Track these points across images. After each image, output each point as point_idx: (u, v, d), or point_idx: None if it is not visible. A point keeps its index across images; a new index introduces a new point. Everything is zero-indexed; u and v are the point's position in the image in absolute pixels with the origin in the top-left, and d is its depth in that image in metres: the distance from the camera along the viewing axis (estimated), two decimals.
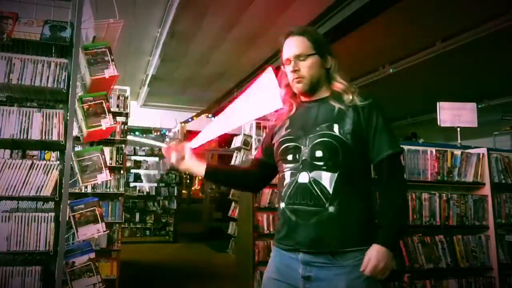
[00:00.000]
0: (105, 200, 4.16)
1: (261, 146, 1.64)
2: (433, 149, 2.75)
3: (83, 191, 3.56)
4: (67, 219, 2.03)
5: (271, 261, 1.44)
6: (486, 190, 2.81)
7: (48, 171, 2.00)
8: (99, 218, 2.12)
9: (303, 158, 1.33)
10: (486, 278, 2.69)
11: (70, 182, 2.04)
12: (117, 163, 4.41)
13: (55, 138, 2.02)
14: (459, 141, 3.37)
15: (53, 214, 1.98)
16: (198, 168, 1.51)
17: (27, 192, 1.93)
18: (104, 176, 2.15)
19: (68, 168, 2.03)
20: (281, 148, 1.43)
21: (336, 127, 1.32)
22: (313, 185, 1.29)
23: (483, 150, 2.86)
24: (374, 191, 1.39)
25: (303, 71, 1.39)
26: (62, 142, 2.02)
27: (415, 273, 2.52)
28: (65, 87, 2.05)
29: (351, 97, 1.36)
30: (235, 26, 4.97)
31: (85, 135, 2.17)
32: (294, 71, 1.39)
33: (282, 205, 1.38)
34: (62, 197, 2.00)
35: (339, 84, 1.41)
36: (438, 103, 3.43)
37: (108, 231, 2.41)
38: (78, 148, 2.35)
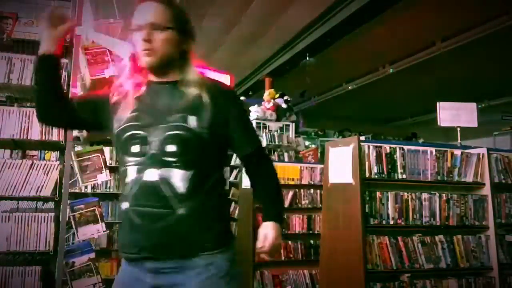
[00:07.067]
0: (105, 200, 4.16)
1: (88, 94, 1.44)
2: (433, 149, 2.74)
3: (83, 191, 3.56)
4: (67, 219, 2.03)
5: (117, 276, 1.25)
6: (486, 190, 2.81)
7: (48, 171, 2.00)
8: (99, 218, 2.12)
9: (152, 151, 1.15)
10: (486, 278, 2.68)
11: (70, 182, 2.04)
12: (117, 163, 4.40)
13: (55, 138, 2.02)
14: (459, 141, 3.36)
15: (53, 214, 1.98)
16: (49, 44, 1.24)
17: (27, 192, 1.94)
18: (104, 176, 2.15)
19: (68, 168, 2.03)
20: (124, 136, 1.19)
21: (192, 120, 1.16)
22: (162, 184, 1.13)
23: (483, 150, 2.85)
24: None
25: (156, 44, 1.17)
26: (62, 142, 2.02)
27: (415, 273, 2.52)
28: (65, 87, 2.06)
29: (206, 87, 1.22)
30: (235, 26, 4.97)
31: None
32: (146, 40, 1.17)
33: (126, 205, 1.18)
34: (62, 197, 2.00)
35: (192, 71, 1.25)
36: (438, 103, 3.42)
37: (108, 231, 2.41)
38: (78, 148, 2.35)
